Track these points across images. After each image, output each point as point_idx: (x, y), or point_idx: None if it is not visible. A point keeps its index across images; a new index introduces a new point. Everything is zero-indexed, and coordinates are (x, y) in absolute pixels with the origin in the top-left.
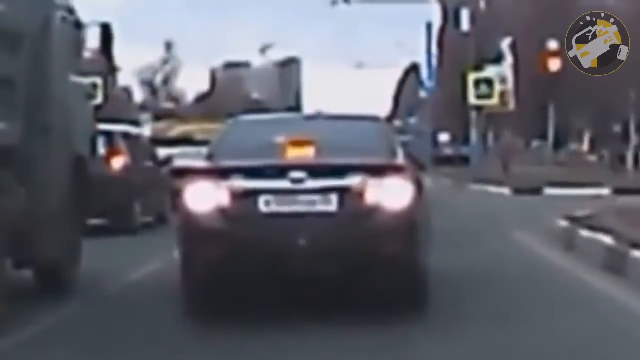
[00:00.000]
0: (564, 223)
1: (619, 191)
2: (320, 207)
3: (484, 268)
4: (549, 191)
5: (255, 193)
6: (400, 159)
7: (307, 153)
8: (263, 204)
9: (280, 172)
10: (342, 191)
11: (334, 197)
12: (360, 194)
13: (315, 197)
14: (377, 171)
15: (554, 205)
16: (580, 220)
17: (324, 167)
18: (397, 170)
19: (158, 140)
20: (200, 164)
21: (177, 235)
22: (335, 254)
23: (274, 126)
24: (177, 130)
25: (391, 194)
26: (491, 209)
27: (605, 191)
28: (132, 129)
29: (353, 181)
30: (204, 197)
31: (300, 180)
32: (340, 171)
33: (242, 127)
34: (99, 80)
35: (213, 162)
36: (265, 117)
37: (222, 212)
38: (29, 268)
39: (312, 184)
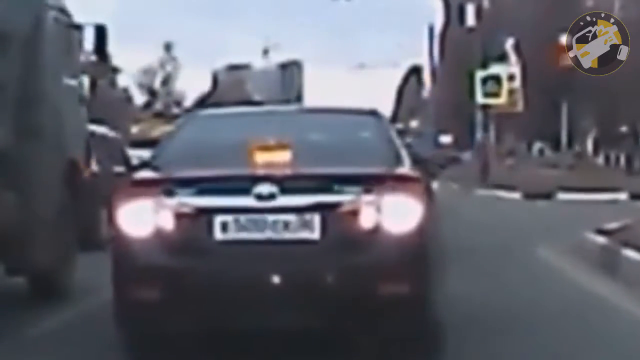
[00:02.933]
0: (598, 238)
1: (636, 196)
2: (297, 233)
3: (510, 302)
4: (561, 196)
5: (208, 213)
6: (407, 167)
7: (280, 160)
8: (219, 229)
9: (243, 185)
10: (327, 211)
11: (315, 219)
12: (351, 215)
13: (290, 219)
14: (376, 183)
15: (571, 212)
16: (618, 236)
17: (303, 178)
18: (402, 181)
19: (138, 142)
20: (139, 173)
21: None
22: (316, 296)
23: (239, 124)
24: (159, 130)
25: (394, 214)
26: (504, 217)
27: (622, 196)
28: (98, 129)
29: (342, 197)
30: (140, 219)
31: (269, 196)
32: (324, 184)
33: (198, 125)
34: (85, 79)
35: (154, 171)
36: (229, 111)
37: (163, 238)
38: (21, 275)
39: (285, 201)
